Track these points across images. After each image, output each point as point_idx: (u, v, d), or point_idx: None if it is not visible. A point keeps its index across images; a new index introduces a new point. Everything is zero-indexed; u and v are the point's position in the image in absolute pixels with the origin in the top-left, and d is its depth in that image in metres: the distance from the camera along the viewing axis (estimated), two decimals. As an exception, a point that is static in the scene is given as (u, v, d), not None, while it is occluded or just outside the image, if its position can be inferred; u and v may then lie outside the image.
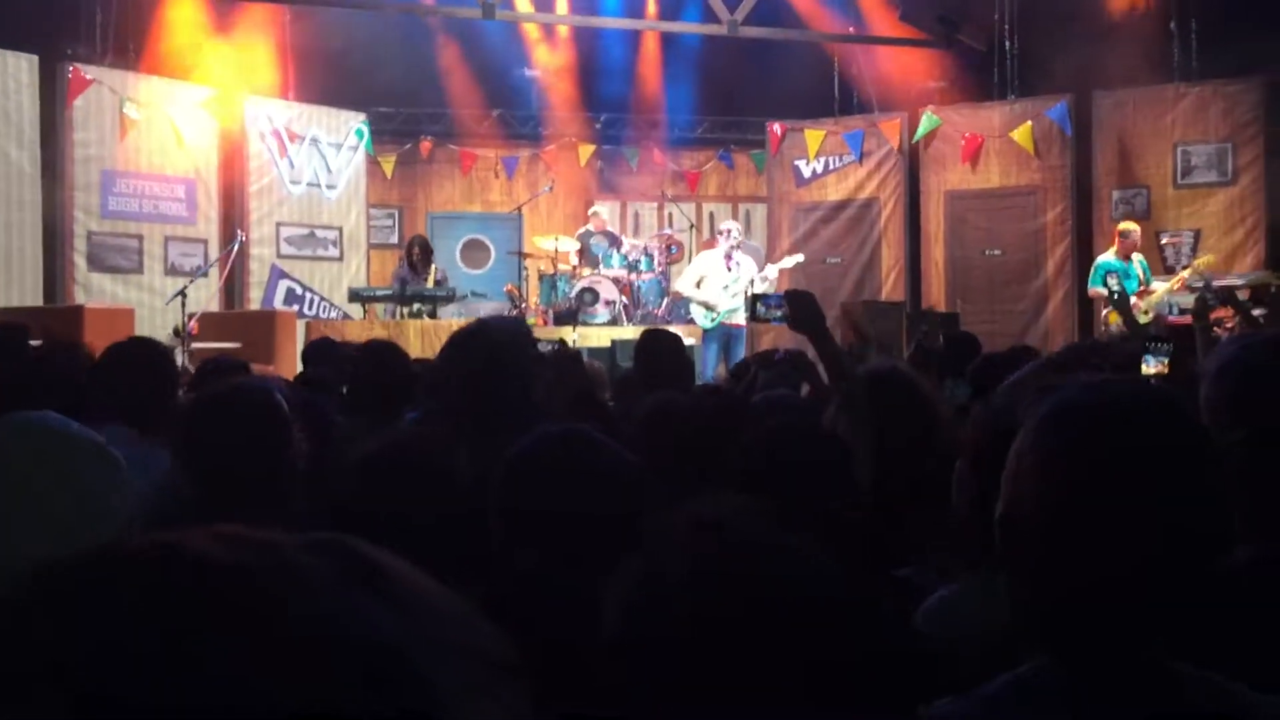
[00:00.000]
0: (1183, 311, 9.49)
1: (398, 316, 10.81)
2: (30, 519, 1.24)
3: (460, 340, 2.91)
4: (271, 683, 0.46)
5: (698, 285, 10.56)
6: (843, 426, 3.01)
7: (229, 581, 0.49)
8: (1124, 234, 10.46)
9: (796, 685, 0.98)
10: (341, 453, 2.42)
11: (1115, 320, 10.12)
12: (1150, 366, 3.82)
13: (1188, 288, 10.05)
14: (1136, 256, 10.38)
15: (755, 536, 1.10)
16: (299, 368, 6.77)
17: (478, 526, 1.86)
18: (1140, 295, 10.04)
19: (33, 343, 7.09)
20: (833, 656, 0.98)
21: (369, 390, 3.94)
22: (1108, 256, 10.47)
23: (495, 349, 2.86)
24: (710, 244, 11.25)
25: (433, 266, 11.45)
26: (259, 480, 2.19)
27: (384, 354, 4.10)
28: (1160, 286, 10.19)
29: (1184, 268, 10.88)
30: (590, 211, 13.26)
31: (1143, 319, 9.94)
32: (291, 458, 2.29)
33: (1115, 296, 9.67)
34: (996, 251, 12.81)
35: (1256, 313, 6.15)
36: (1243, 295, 6.77)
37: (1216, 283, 8.95)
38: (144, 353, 3.17)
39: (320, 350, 6.17)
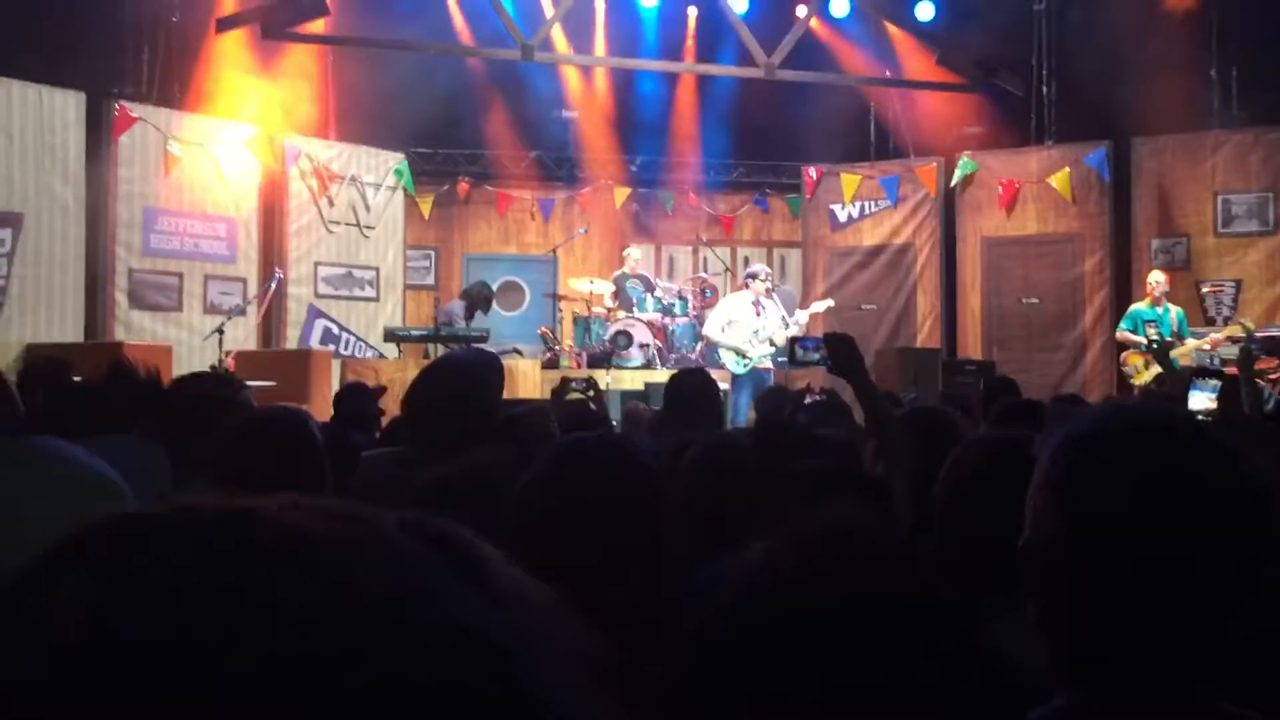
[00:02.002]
0: (1225, 363, 9.37)
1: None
2: (16, 549, 1.22)
3: (428, 373, 3.12)
4: (354, 660, 0.43)
5: (724, 330, 10.54)
6: (883, 469, 2.98)
7: (312, 548, 0.46)
8: (1150, 283, 10.50)
9: (888, 706, 0.94)
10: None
11: (1135, 362, 10.07)
12: (1198, 401, 3.77)
13: (1230, 340, 9.94)
14: (1173, 307, 10.29)
15: (874, 549, 1.05)
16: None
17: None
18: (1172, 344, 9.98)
19: (74, 379, 7.17)
20: (933, 681, 0.95)
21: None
22: (1141, 305, 10.44)
23: (459, 379, 3.04)
24: (741, 288, 11.23)
25: (482, 314, 11.66)
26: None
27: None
28: (1193, 342, 10.08)
29: (1226, 323, 10.78)
30: (624, 254, 13.29)
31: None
32: (322, 485, 2.29)
33: (1154, 345, 9.58)
34: (1034, 300, 12.72)
35: None
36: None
37: (1260, 334, 8.84)
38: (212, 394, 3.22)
39: (354, 394, 6.21)
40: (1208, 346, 9.95)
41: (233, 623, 0.42)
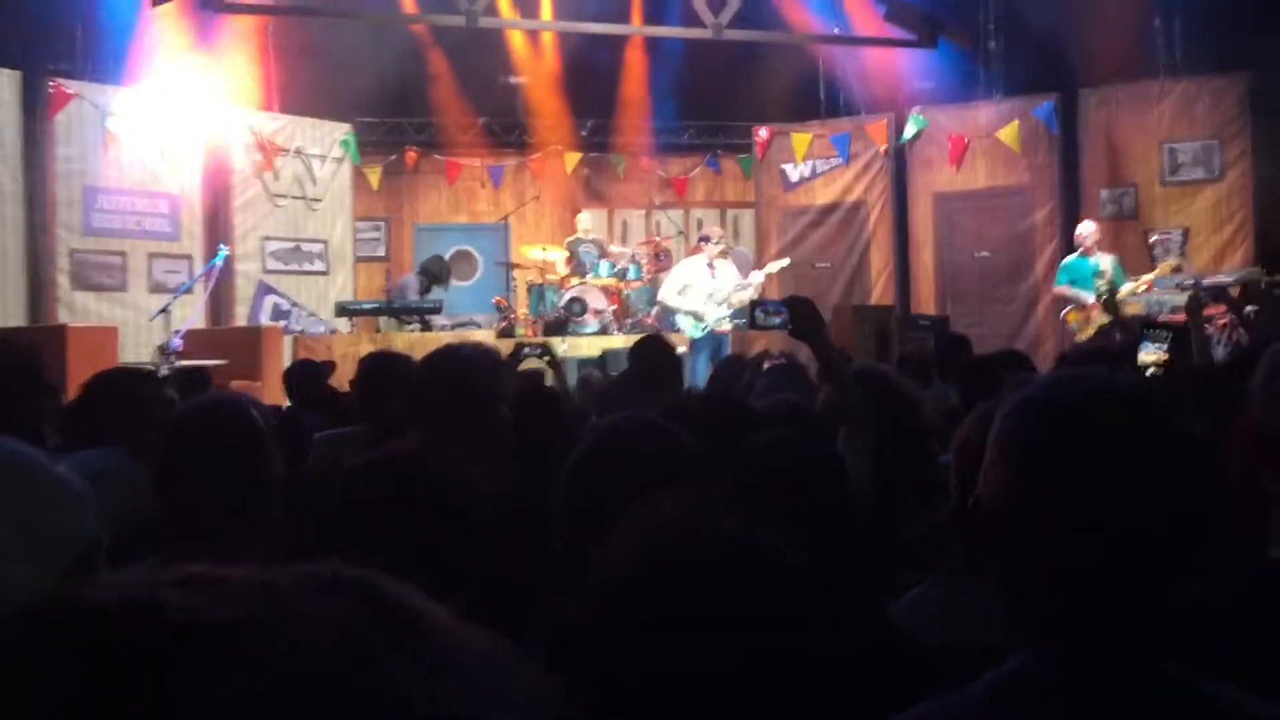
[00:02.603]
0: (1174, 310, 9.46)
1: (405, 329, 10.79)
2: None
3: (432, 364, 3.02)
4: None
5: (680, 294, 10.51)
6: (844, 437, 2.96)
7: (220, 641, 0.40)
8: (1080, 234, 10.46)
9: (757, 684, 0.94)
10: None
11: (1074, 319, 10.11)
12: (1149, 354, 3.79)
13: (1177, 287, 10.03)
14: (1105, 256, 10.30)
15: (714, 531, 1.05)
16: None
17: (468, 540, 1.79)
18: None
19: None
20: (794, 653, 0.95)
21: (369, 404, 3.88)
22: (1072, 257, 10.42)
23: (466, 371, 2.94)
24: (695, 251, 11.20)
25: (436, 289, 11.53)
26: (237, 494, 2.14)
27: (394, 367, 4.03)
28: (1129, 285, 10.12)
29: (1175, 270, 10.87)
30: (576, 220, 13.22)
31: (1102, 321, 9.90)
32: (269, 472, 2.24)
33: (1103, 296, 9.66)
34: (985, 253, 12.78)
35: (1248, 309, 6.14)
36: (1234, 292, 6.74)
37: (1207, 280, 8.92)
38: (129, 384, 3.11)
39: (304, 371, 6.13)
40: (1143, 288, 9.99)
41: None
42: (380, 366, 4.07)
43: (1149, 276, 10.14)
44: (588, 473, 1.84)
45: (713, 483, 1.91)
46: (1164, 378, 3.82)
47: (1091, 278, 10.07)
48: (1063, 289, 10.34)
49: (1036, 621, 1.19)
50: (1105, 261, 10.17)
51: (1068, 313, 10.24)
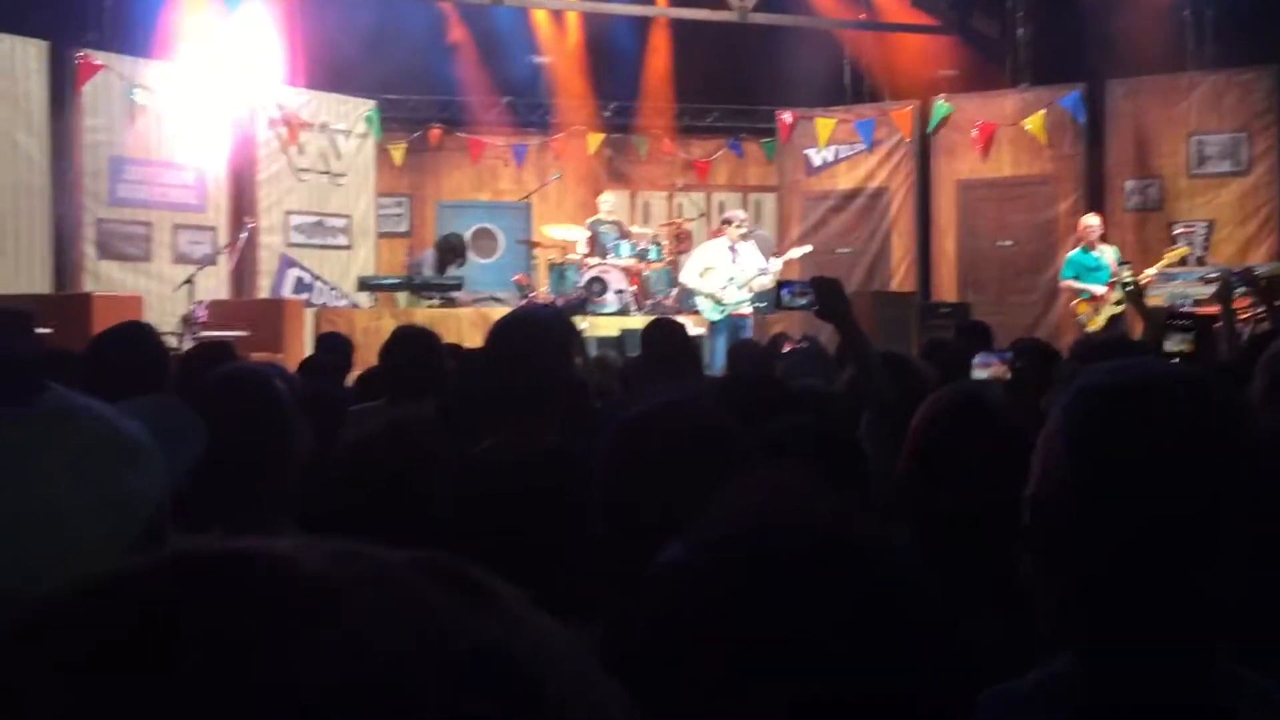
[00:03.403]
0: (1198, 303, 9.41)
1: (423, 304, 10.80)
2: (33, 506, 1.15)
3: (503, 327, 2.96)
4: (385, 703, 0.39)
5: (701, 275, 10.50)
6: (868, 423, 2.96)
7: (310, 591, 0.42)
8: (1085, 225, 10.38)
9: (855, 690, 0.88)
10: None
11: (1084, 310, 10.06)
12: (1173, 345, 3.78)
13: (1201, 280, 9.96)
14: (1108, 248, 10.26)
15: (826, 510, 0.97)
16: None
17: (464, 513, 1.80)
18: (1110, 287, 9.91)
19: (42, 330, 7.08)
20: (901, 656, 0.89)
21: (397, 375, 3.90)
22: (1075, 251, 10.36)
23: (536, 335, 2.88)
24: (717, 233, 11.18)
25: (455, 265, 11.47)
26: (258, 464, 2.15)
27: (414, 339, 4.05)
28: (1128, 276, 10.03)
29: (1200, 263, 10.80)
30: (598, 200, 13.21)
31: (1113, 310, 9.83)
32: (291, 443, 2.25)
33: (1128, 288, 9.59)
34: (1008, 242, 12.73)
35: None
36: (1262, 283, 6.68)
37: (1237, 267, 8.84)
38: (135, 334, 3.12)
39: (329, 343, 6.15)
40: (1152, 272, 9.93)
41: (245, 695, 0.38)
42: (408, 340, 4.09)
43: (1155, 267, 10.08)
44: (623, 457, 1.77)
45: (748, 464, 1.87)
46: (1190, 362, 3.80)
47: (1095, 270, 10.03)
48: (1069, 282, 10.28)
49: (1094, 619, 1.16)
50: (1108, 254, 10.13)
51: (1078, 304, 10.19)
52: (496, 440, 1.96)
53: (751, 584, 0.89)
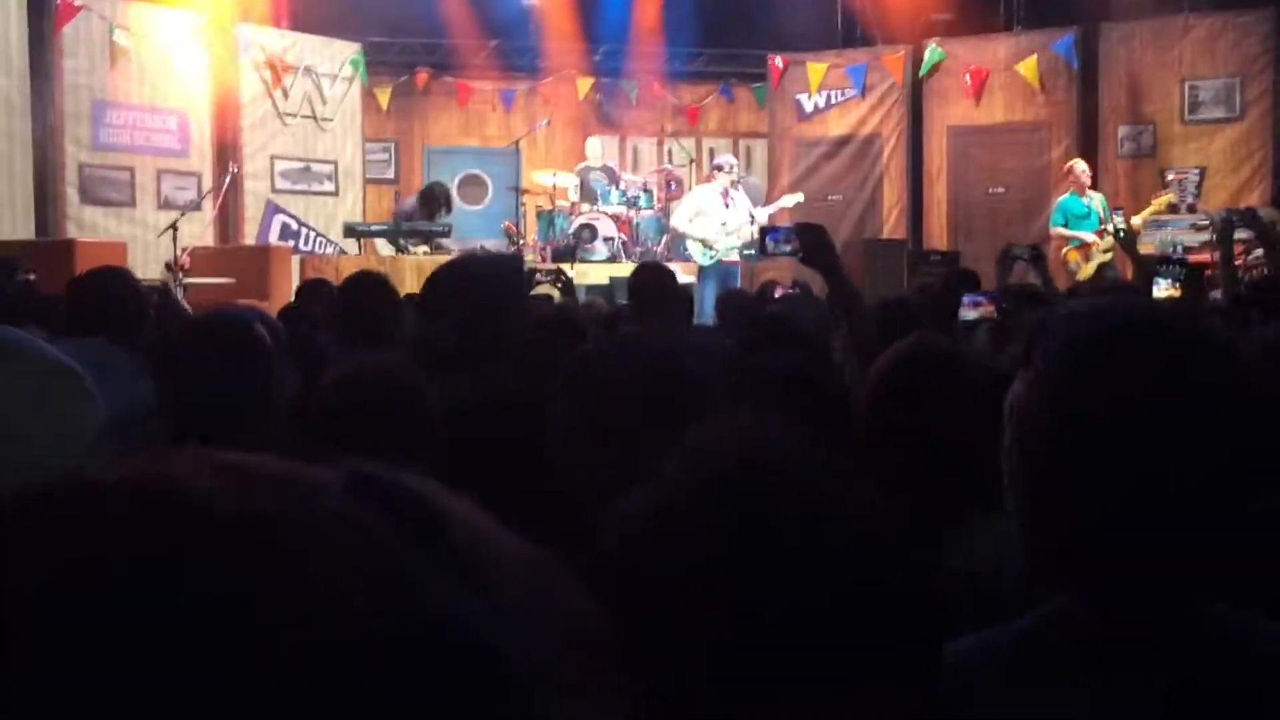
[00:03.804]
0: (1187, 250, 9.38)
1: (406, 250, 10.70)
2: None
3: (445, 275, 2.94)
4: (287, 688, 0.34)
5: (691, 221, 10.44)
6: (852, 369, 2.94)
7: (237, 535, 0.36)
8: (1068, 170, 10.30)
9: (825, 629, 0.86)
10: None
11: (1075, 258, 10.00)
12: (1161, 290, 3.77)
13: (1192, 228, 9.93)
14: (1096, 195, 10.19)
15: (792, 456, 0.94)
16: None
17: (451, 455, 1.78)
18: (1099, 234, 9.86)
19: (27, 276, 7.01)
20: (867, 593, 0.87)
21: (354, 323, 3.85)
22: (1064, 197, 10.29)
23: (479, 284, 2.87)
24: (708, 179, 11.10)
25: (441, 214, 11.33)
26: (237, 409, 2.12)
27: (369, 286, 4.00)
28: (1117, 222, 9.98)
29: (1190, 210, 10.75)
30: (586, 146, 13.11)
31: (1102, 258, 9.78)
32: (272, 388, 2.22)
33: (1122, 234, 9.54)
34: (1000, 189, 12.66)
35: None
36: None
37: (1240, 206, 8.79)
38: (111, 279, 3.07)
39: (313, 290, 6.09)
40: (1138, 221, 9.87)
41: (134, 650, 0.33)
42: (362, 286, 4.05)
43: (1141, 215, 10.02)
44: (573, 395, 1.80)
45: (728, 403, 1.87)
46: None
47: (1084, 216, 9.96)
48: (1059, 229, 10.18)
49: (1073, 563, 1.15)
50: (1096, 201, 10.07)
51: (1068, 251, 10.13)
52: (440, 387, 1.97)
53: (725, 545, 0.87)
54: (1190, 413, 1.11)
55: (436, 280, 2.91)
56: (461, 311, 2.75)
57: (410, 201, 11.66)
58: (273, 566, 0.36)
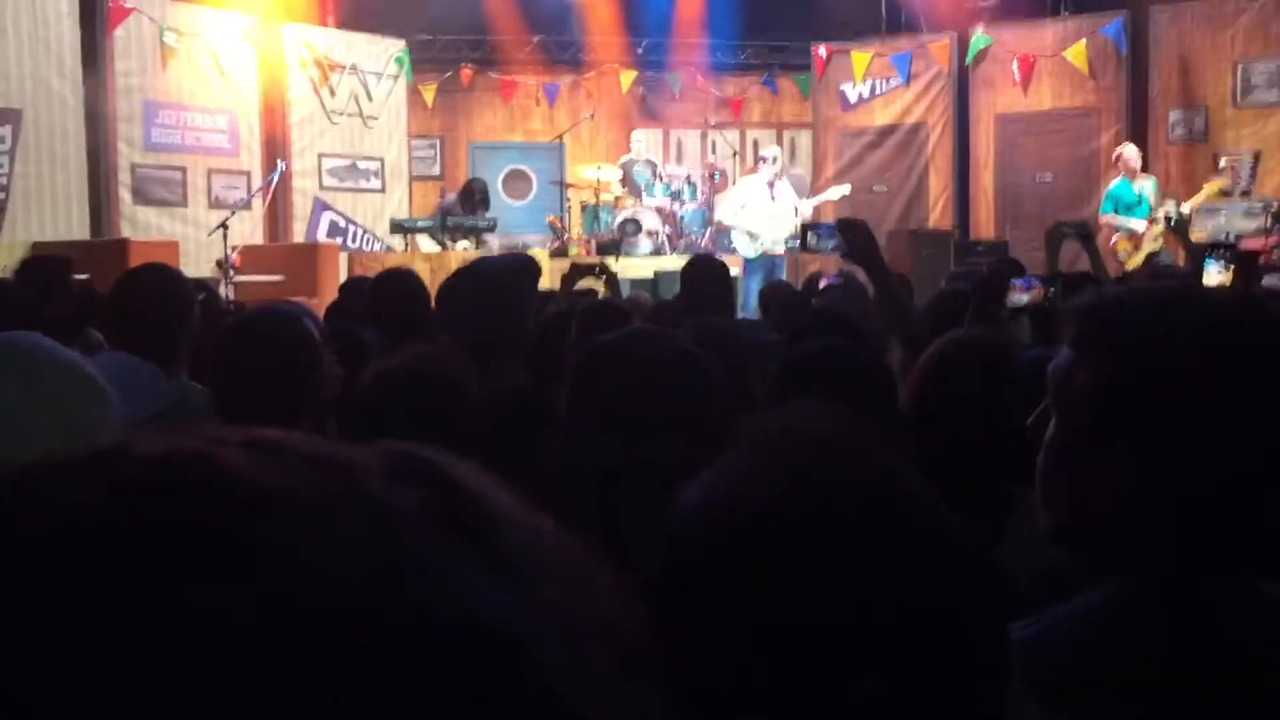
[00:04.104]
0: (1240, 236, 9.22)
1: (448, 246, 10.76)
2: (6, 443, 1.19)
3: (454, 279, 3.05)
4: (299, 667, 0.33)
5: (737, 213, 10.41)
6: (899, 361, 2.93)
7: (260, 507, 0.36)
8: (1117, 158, 10.12)
9: (878, 640, 0.82)
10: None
11: (1124, 247, 9.84)
12: (1213, 275, 3.72)
13: (1244, 215, 9.75)
14: (1147, 181, 10.02)
15: (854, 446, 0.90)
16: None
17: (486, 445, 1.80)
18: (1150, 222, 9.69)
19: (79, 277, 7.13)
20: (924, 598, 0.84)
21: (383, 318, 3.91)
22: (1114, 183, 10.12)
23: (483, 286, 2.95)
24: (752, 171, 11.07)
25: (481, 209, 11.35)
26: (283, 403, 2.15)
27: (398, 282, 4.06)
28: (1168, 208, 9.79)
29: (1244, 195, 10.55)
30: (631, 139, 13.11)
31: (1152, 246, 9.61)
32: (319, 383, 2.25)
33: (1173, 222, 9.40)
34: (1047, 177, 12.52)
35: None
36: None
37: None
38: (158, 279, 3.10)
39: (353, 288, 6.17)
40: (1187, 208, 9.70)
41: (126, 629, 0.32)
42: (392, 285, 4.11)
43: (1192, 201, 9.83)
44: (578, 384, 1.81)
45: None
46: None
47: (1135, 204, 9.79)
48: (1109, 217, 10.00)
49: (1126, 546, 1.14)
50: (1148, 186, 9.91)
51: (1116, 240, 9.99)
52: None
53: (788, 534, 0.84)
54: (1235, 390, 1.10)
55: (448, 291, 2.98)
56: (475, 318, 2.81)
57: (451, 198, 11.72)
58: (295, 542, 0.35)
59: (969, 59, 12.86)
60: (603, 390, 1.76)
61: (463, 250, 10.67)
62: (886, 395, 2.14)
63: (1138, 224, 9.74)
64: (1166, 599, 1.13)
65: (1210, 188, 9.97)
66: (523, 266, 3.17)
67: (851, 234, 3.15)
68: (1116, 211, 9.92)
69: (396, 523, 0.37)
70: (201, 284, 5.25)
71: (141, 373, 2.30)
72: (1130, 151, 10.11)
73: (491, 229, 11.20)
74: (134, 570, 0.34)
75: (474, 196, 11.39)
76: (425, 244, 11.13)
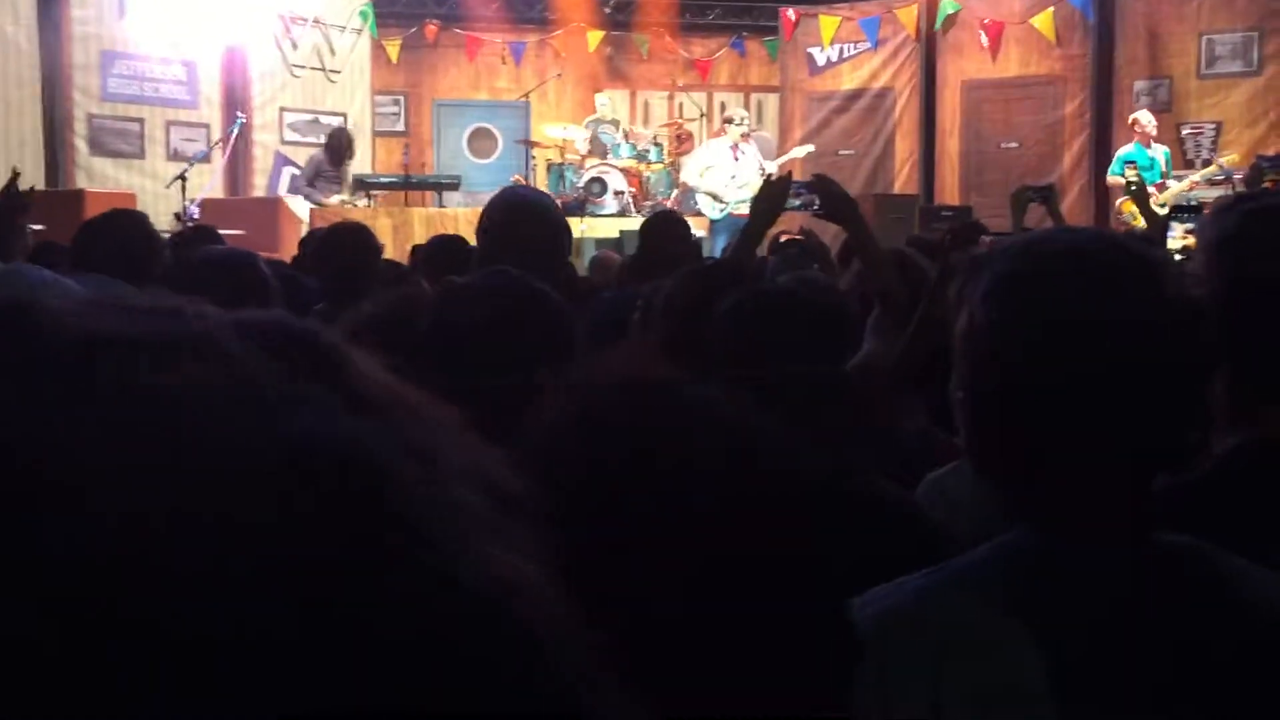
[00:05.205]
0: (1201, 205, 9.29)
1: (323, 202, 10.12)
2: None
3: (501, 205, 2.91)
4: (168, 494, 0.31)
5: (701, 175, 10.39)
6: (875, 317, 2.93)
7: (88, 349, 0.33)
8: (1134, 123, 10.19)
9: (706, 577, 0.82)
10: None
11: (1130, 209, 9.88)
12: (1176, 237, 3.75)
13: (1207, 182, 9.83)
14: (1160, 148, 10.11)
15: (677, 397, 0.89)
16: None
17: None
18: (1159, 188, 9.77)
19: (34, 227, 7.00)
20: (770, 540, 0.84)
21: (333, 273, 3.87)
22: (1128, 148, 10.21)
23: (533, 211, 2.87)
24: (719, 133, 11.03)
25: (347, 165, 10.43)
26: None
27: (349, 236, 4.02)
28: (1175, 185, 9.91)
29: (1204, 164, 10.63)
30: (596, 100, 13.01)
31: (1159, 212, 9.68)
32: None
33: (1133, 187, 9.45)
34: (1013, 144, 12.57)
35: None
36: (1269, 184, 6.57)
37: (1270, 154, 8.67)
38: (128, 218, 3.05)
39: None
40: (1186, 188, 9.80)
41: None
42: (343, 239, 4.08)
43: (1195, 178, 9.89)
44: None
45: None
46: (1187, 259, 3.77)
47: (1148, 169, 9.81)
48: (1116, 179, 10.05)
49: (1028, 499, 1.16)
50: (1159, 153, 9.97)
51: (1122, 202, 10.01)
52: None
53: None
54: (1115, 337, 1.10)
55: (501, 213, 2.87)
56: (521, 245, 2.71)
57: (318, 154, 10.61)
58: (133, 381, 0.33)
59: (937, 25, 12.85)
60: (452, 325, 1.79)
61: (339, 203, 10.14)
62: (837, 329, 2.12)
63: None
64: (1055, 549, 1.13)
65: (1210, 170, 9.99)
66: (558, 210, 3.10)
67: (826, 191, 3.14)
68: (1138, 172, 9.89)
69: (243, 361, 0.35)
70: (178, 235, 5.17)
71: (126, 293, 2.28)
72: (1146, 117, 10.13)
73: (455, 186, 11.10)
74: None
75: (340, 149, 10.38)
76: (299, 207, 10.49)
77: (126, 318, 0.36)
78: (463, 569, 0.34)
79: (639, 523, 0.82)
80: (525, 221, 2.78)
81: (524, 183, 12.10)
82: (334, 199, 10.13)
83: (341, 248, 3.92)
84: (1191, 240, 3.92)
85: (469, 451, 0.38)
